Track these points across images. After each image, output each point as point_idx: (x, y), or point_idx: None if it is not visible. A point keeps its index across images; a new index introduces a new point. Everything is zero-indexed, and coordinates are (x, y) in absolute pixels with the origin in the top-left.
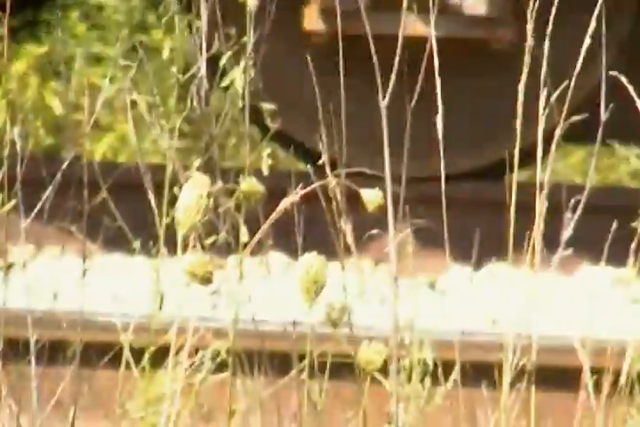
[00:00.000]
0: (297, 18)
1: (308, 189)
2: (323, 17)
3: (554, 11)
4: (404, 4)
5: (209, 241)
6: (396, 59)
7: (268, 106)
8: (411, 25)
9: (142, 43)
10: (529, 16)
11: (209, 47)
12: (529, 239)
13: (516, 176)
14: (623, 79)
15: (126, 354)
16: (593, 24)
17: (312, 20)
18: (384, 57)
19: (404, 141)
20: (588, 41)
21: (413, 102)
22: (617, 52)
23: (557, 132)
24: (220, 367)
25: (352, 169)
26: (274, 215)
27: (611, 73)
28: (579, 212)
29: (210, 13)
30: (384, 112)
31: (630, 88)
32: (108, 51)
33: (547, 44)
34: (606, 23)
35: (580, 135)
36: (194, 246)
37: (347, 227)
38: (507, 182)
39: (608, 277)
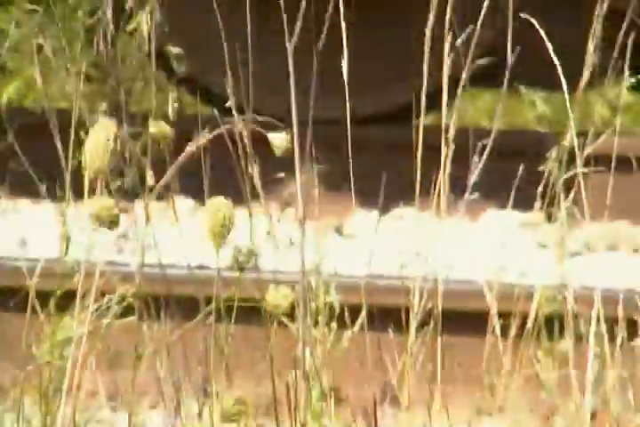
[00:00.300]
0: None
1: (215, 132)
2: None
3: None
4: None
5: (115, 185)
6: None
7: (174, 50)
8: None
9: None
10: None
11: None
12: (436, 183)
13: (424, 120)
14: (533, 21)
15: (32, 298)
16: None
17: None
18: None
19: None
20: None
21: (321, 45)
22: None
23: (464, 76)
24: (127, 311)
25: (259, 116)
26: (180, 159)
27: (521, 15)
28: (485, 156)
29: None
30: (291, 55)
31: (541, 30)
32: None
33: None
34: None
35: (486, 79)
36: (100, 190)
37: (254, 170)
38: (414, 126)
39: (515, 221)
